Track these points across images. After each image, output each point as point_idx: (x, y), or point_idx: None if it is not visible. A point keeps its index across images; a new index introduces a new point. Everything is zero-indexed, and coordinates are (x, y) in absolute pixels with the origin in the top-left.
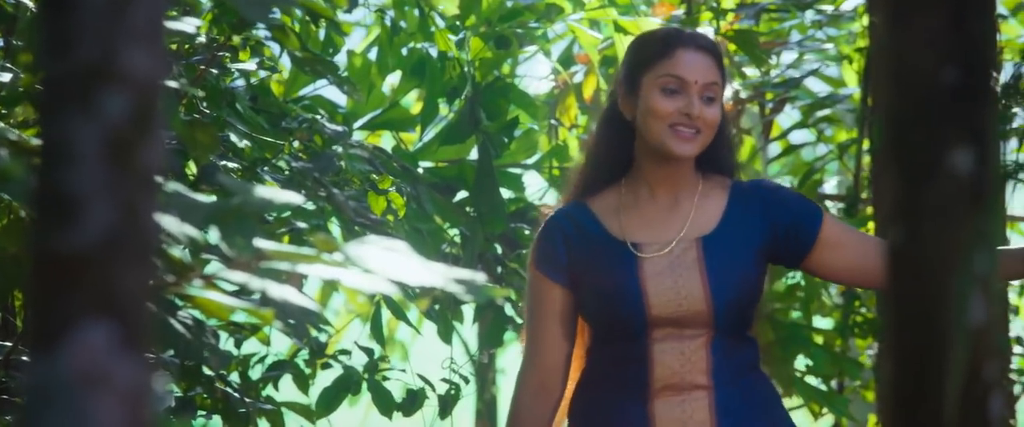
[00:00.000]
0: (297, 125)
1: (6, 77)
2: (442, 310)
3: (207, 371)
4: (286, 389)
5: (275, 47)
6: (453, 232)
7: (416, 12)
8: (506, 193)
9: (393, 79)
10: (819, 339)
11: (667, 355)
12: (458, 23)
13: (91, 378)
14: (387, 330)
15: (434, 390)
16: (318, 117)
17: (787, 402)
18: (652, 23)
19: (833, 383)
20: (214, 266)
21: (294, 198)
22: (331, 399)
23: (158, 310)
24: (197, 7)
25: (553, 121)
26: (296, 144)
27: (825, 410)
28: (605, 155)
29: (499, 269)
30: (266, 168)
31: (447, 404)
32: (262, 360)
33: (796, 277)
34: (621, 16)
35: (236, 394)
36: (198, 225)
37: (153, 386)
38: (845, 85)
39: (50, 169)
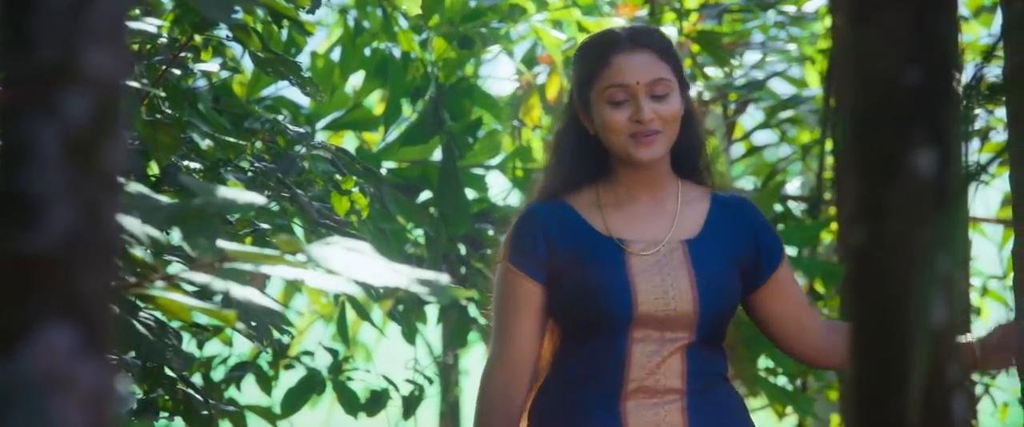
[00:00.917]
0: (260, 126)
1: None
2: (406, 311)
3: (169, 373)
4: (249, 391)
5: (237, 48)
6: (417, 233)
7: (379, 12)
8: (470, 194)
9: (356, 80)
10: None
11: (645, 356)
12: (421, 23)
13: (54, 380)
14: (351, 331)
15: (398, 391)
16: (281, 118)
17: (751, 402)
18: (615, 24)
19: (797, 383)
20: (176, 267)
21: (257, 199)
22: (296, 399)
23: (120, 311)
24: (159, 7)
25: (516, 122)
26: (259, 145)
27: (789, 410)
28: (578, 159)
29: (463, 270)
30: (229, 169)
31: (411, 405)
32: (224, 361)
33: None
34: (584, 17)
35: (198, 396)
36: (160, 226)
37: (116, 388)
38: (808, 86)
39: (11, 170)
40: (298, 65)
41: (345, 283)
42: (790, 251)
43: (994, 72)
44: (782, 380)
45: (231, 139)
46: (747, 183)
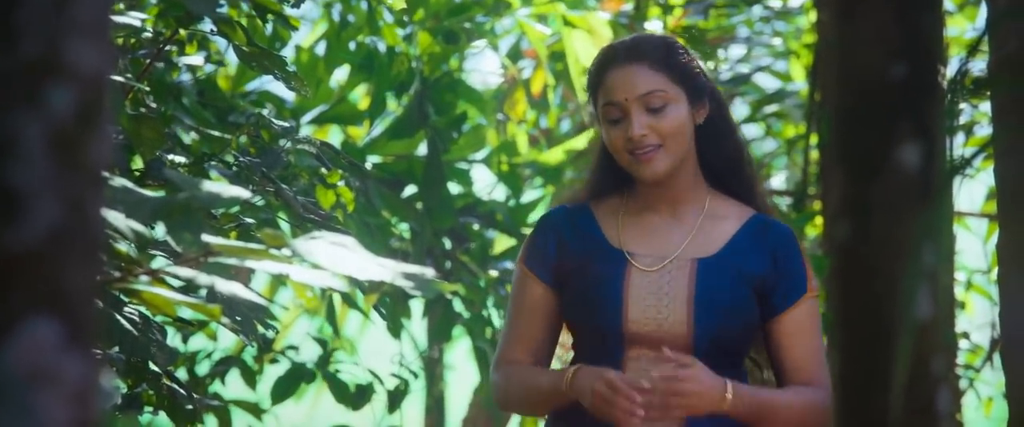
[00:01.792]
0: (244, 120)
1: None
2: (391, 305)
3: (154, 367)
4: (234, 385)
5: (221, 42)
6: (402, 227)
7: (364, 6)
8: (455, 188)
9: (341, 74)
10: None
11: (639, 369)
12: (406, 18)
13: (38, 375)
14: (337, 323)
15: (383, 385)
16: (265, 112)
17: None
18: (600, 18)
19: None
20: (161, 261)
21: (242, 193)
22: (283, 391)
23: (105, 306)
24: (143, 1)
25: (501, 116)
26: (243, 139)
27: None
28: (602, 171)
29: (448, 264)
30: (213, 163)
31: (396, 399)
32: (209, 356)
33: None
34: (569, 11)
35: (183, 391)
36: (145, 220)
37: (100, 383)
38: (793, 80)
39: None
40: (283, 59)
41: (330, 277)
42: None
43: (979, 66)
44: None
45: (216, 133)
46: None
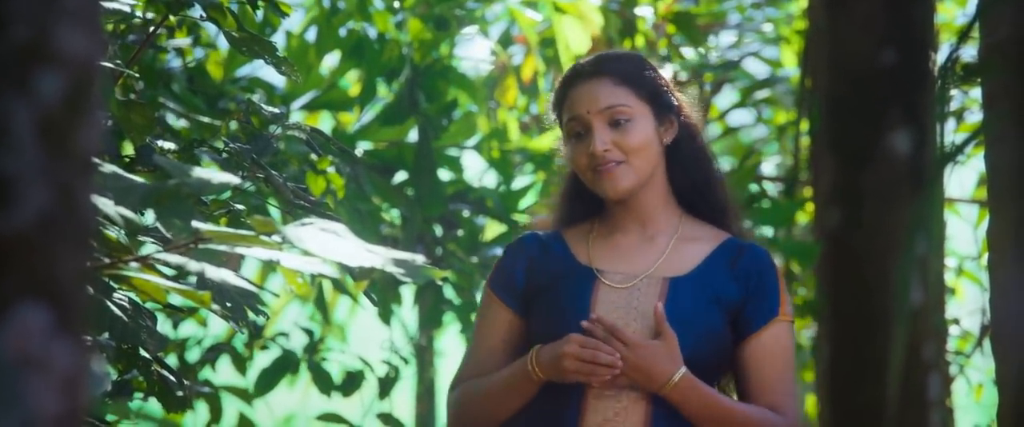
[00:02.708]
0: (234, 106)
1: None
2: (382, 292)
3: (144, 354)
4: (224, 371)
5: (211, 28)
6: (392, 213)
7: None
8: (445, 175)
9: (331, 60)
10: None
11: (602, 401)
12: (397, 4)
13: (28, 361)
14: (327, 310)
15: (373, 371)
16: (255, 98)
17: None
18: (591, 4)
19: None
20: (151, 248)
21: (231, 179)
22: (270, 379)
23: (94, 292)
24: None
25: (492, 103)
26: (233, 125)
27: None
28: (577, 197)
29: (439, 250)
30: (204, 149)
31: (387, 385)
32: (199, 343)
33: None
34: None
35: (173, 377)
36: (135, 207)
37: (90, 368)
38: (784, 66)
39: None
40: (273, 44)
41: (320, 263)
42: (766, 231)
43: (970, 53)
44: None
45: (206, 119)
46: (723, 163)
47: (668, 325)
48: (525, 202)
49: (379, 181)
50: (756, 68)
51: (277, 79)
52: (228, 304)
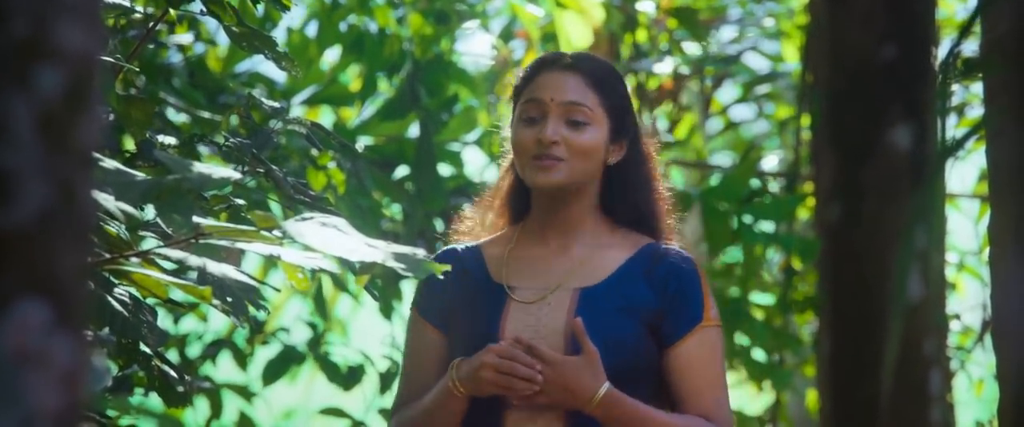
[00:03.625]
0: (235, 101)
1: None
2: (383, 287)
3: (144, 349)
4: (225, 367)
5: (211, 22)
6: (393, 208)
7: None
8: (446, 169)
9: (332, 55)
10: (759, 314)
11: (520, 422)
12: None
13: (28, 356)
14: (327, 306)
15: (375, 366)
16: (256, 93)
17: (728, 377)
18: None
19: (775, 358)
20: (151, 242)
21: (232, 174)
22: (274, 373)
23: (95, 287)
24: None
25: (493, 98)
26: (234, 120)
27: (766, 384)
28: (508, 198)
29: (439, 245)
30: (204, 143)
31: (388, 380)
32: (200, 338)
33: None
34: None
35: (174, 372)
36: (135, 202)
37: (90, 364)
38: (785, 61)
39: None
40: (273, 39)
41: (321, 258)
42: (767, 227)
43: (970, 48)
44: (759, 354)
45: (206, 114)
46: (725, 159)
47: (588, 339)
48: None
49: (380, 176)
50: (757, 63)
51: (278, 74)
52: (229, 299)
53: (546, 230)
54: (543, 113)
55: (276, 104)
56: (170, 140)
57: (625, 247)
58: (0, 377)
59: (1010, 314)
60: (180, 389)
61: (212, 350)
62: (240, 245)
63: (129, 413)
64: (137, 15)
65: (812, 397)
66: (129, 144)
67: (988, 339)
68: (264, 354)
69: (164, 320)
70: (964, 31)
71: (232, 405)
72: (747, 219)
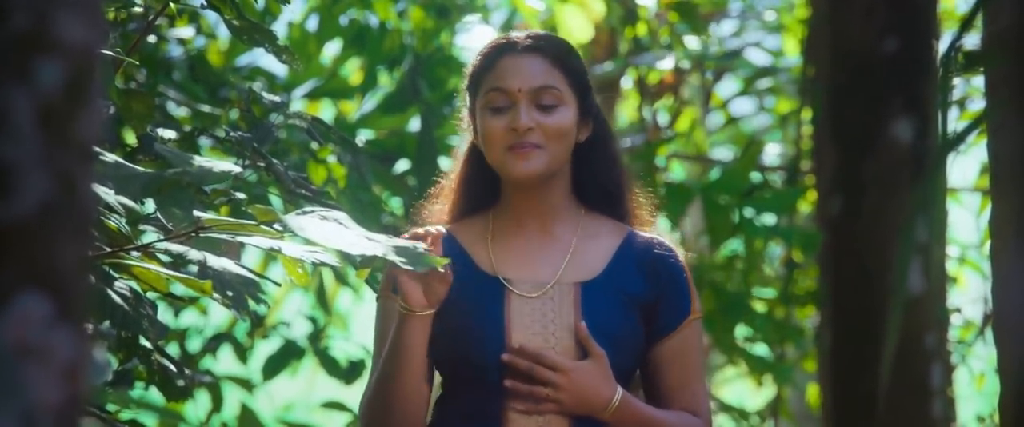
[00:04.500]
0: (235, 94)
1: None
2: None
3: (145, 343)
4: (225, 360)
5: (212, 16)
6: (394, 202)
7: None
8: (447, 163)
9: (333, 48)
10: (760, 307)
11: (523, 419)
12: None
13: (28, 350)
14: (328, 300)
15: None
16: (256, 87)
17: (729, 371)
18: None
19: (776, 352)
20: (151, 236)
21: (232, 168)
22: (275, 367)
23: (95, 281)
24: None
25: None
26: (234, 113)
27: (767, 379)
28: (471, 184)
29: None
30: (204, 137)
31: None
32: (200, 331)
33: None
34: None
35: (174, 366)
36: (136, 196)
37: (91, 358)
38: (785, 55)
39: None
40: (273, 33)
41: (322, 252)
42: (768, 220)
43: (972, 41)
44: (760, 348)
45: (206, 108)
46: (726, 154)
47: (595, 343)
48: None
49: (380, 170)
50: (759, 57)
51: (278, 68)
52: (229, 293)
53: (523, 217)
54: (511, 101)
55: (277, 98)
56: (170, 134)
57: (609, 235)
58: (1, 370)
59: (1011, 308)
60: (180, 383)
61: (213, 344)
62: (240, 239)
63: (130, 407)
64: (137, 8)
65: (813, 392)
66: (130, 138)
67: (989, 333)
68: (264, 348)
69: (164, 314)
70: (965, 24)
71: (233, 399)
72: (748, 213)
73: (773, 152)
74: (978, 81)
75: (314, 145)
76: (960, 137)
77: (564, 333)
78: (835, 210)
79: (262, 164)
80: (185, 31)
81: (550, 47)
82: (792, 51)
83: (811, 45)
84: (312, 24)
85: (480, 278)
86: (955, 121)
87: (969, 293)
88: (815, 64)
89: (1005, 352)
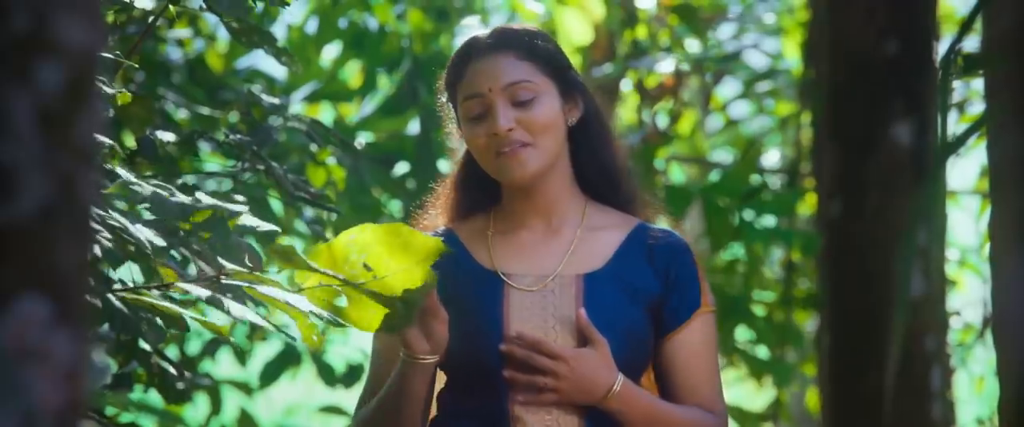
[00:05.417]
0: (234, 97)
1: None
2: None
3: (144, 345)
4: (224, 364)
5: (211, 19)
6: (393, 205)
7: None
8: (446, 166)
9: (332, 51)
10: (760, 310)
11: (531, 415)
12: None
13: (28, 353)
14: None
15: None
16: (255, 89)
17: (730, 373)
18: None
19: (776, 354)
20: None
21: (274, 229)
22: (273, 372)
23: (94, 284)
24: None
25: None
26: (233, 116)
27: (767, 381)
28: (470, 187)
29: None
30: (204, 140)
31: None
32: (200, 335)
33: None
34: None
35: (173, 369)
36: (172, 223)
37: (91, 360)
38: (785, 58)
39: None
40: (273, 35)
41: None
42: (768, 223)
43: (972, 43)
44: (761, 351)
45: (206, 110)
46: (726, 156)
47: (595, 330)
48: None
49: (380, 173)
50: (759, 60)
51: (277, 70)
52: (229, 295)
53: (527, 213)
54: (487, 105)
55: (276, 100)
56: (170, 136)
57: (617, 227)
58: (0, 373)
59: (1011, 311)
60: (180, 386)
61: (212, 347)
62: (261, 290)
63: (129, 409)
64: (137, 11)
65: (812, 395)
66: (129, 141)
67: (989, 336)
68: (263, 351)
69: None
70: (965, 27)
71: (232, 402)
72: (748, 215)
73: (773, 155)
74: (978, 84)
75: (313, 148)
76: (960, 140)
77: (566, 326)
78: (835, 212)
79: (261, 167)
80: (184, 33)
81: (514, 40)
82: (791, 54)
83: (811, 47)
84: (311, 27)
85: (479, 273)
86: (955, 124)
87: (969, 296)
88: (815, 66)
89: (1005, 355)
